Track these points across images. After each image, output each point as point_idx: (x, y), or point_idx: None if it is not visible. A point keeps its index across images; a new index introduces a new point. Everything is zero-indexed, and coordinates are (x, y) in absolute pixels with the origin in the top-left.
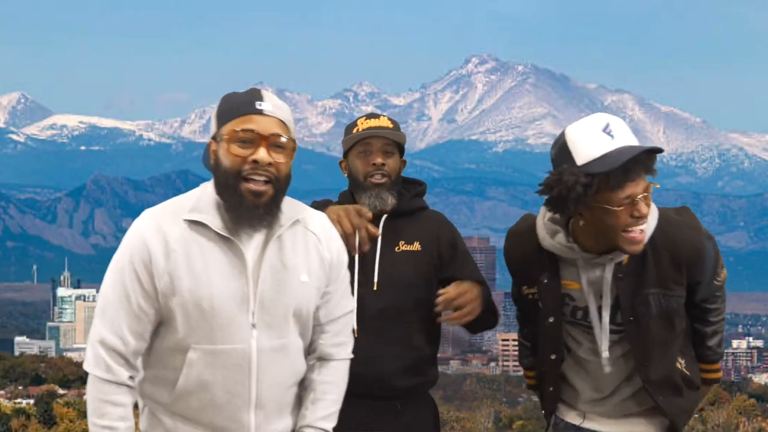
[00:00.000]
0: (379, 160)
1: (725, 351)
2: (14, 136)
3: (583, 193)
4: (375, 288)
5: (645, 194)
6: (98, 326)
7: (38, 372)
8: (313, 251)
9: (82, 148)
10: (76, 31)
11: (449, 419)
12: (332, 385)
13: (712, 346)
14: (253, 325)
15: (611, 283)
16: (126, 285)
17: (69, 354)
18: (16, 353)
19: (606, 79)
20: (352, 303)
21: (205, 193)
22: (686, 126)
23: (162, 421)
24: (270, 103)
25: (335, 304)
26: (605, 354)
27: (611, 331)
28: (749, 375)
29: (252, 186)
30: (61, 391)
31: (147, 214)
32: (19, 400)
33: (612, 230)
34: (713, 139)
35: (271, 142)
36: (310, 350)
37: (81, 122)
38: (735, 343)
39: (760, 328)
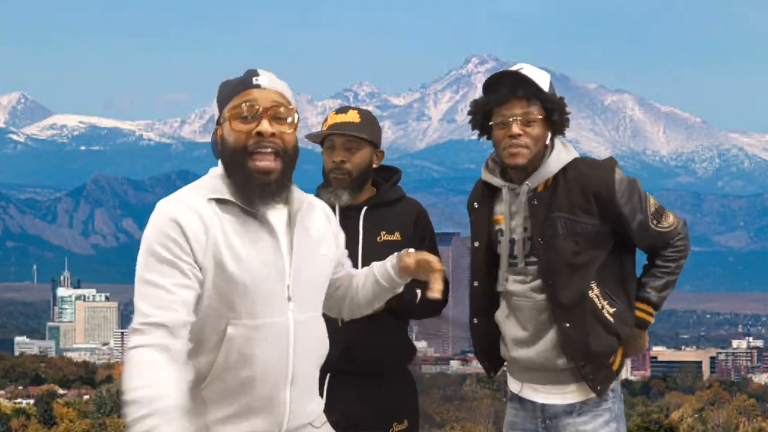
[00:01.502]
0: (339, 158)
1: (725, 351)
2: (14, 136)
3: (474, 116)
4: None
5: (518, 117)
6: (142, 309)
7: (38, 372)
8: (324, 225)
9: (82, 148)
10: (76, 31)
11: (449, 419)
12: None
13: (650, 283)
14: (289, 299)
15: (525, 204)
16: (171, 257)
17: (69, 354)
18: (16, 353)
19: (606, 79)
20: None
21: (216, 177)
22: (686, 126)
23: (194, 409)
24: (267, 77)
25: (349, 261)
26: (503, 268)
27: (528, 263)
28: (749, 375)
29: (259, 162)
30: (61, 391)
31: (169, 199)
32: (19, 400)
33: (498, 147)
34: (713, 139)
35: (272, 113)
36: (345, 290)
37: (81, 122)
38: (735, 343)
39: (760, 328)
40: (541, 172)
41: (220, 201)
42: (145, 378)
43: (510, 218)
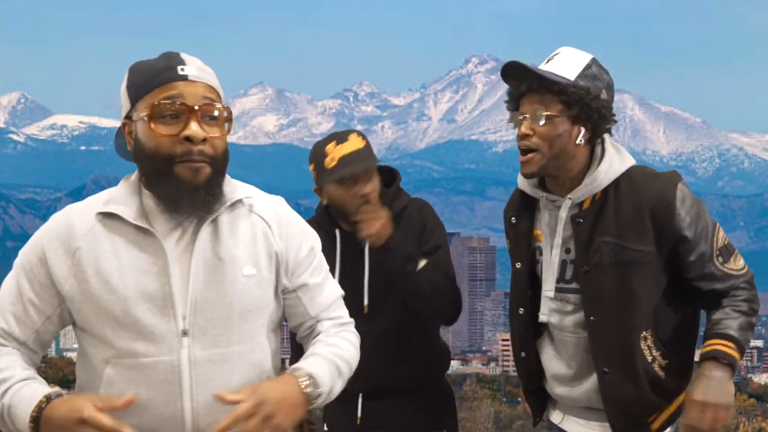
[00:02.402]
0: (369, 189)
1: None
2: (14, 136)
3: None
4: (366, 311)
5: (527, 114)
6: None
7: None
8: (261, 238)
9: (82, 148)
10: (76, 31)
11: None
12: (340, 342)
13: (723, 320)
14: (185, 333)
15: (566, 223)
16: (21, 283)
17: (69, 354)
18: None
19: None
20: (338, 287)
21: (126, 184)
22: (686, 126)
23: None
24: (194, 66)
25: (320, 293)
26: (549, 293)
27: (571, 291)
28: (749, 375)
29: (188, 165)
30: (61, 391)
31: (64, 208)
32: None
33: None
34: (713, 139)
35: (202, 113)
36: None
37: (81, 122)
38: None
39: (760, 328)
40: (587, 185)
41: (107, 215)
42: None
43: (551, 235)
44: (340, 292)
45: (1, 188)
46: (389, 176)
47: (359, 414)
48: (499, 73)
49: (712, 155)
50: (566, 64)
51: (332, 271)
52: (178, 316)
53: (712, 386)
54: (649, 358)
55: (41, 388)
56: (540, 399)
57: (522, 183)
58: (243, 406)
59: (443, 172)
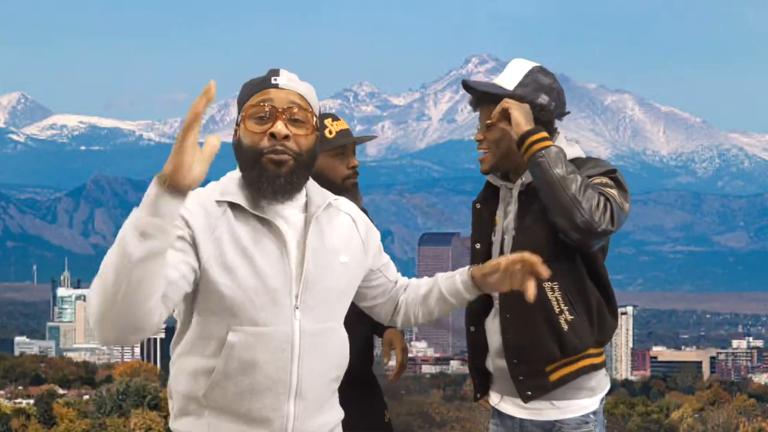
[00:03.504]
0: (356, 162)
1: (725, 351)
2: (14, 136)
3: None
4: None
5: (479, 125)
6: None
7: (38, 372)
8: (350, 231)
9: (82, 148)
10: (76, 31)
11: (449, 419)
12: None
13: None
14: (296, 308)
15: (515, 201)
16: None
17: (69, 354)
18: (16, 353)
19: (606, 79)
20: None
21: (232, 177)
22: (686, 126)
23: (194, 416)
24: (286, 78)
25: (392, 266)
26: (493, 258)
27: None
28: (749, 375)
29: (273, 156)
30: (61, 391)
31: (201, 189)
32: (19, 400)
33: None
34: (713, 139)
35: (288, 115)
36: (393, 307)
37: (81, 122)
38: (735, 343)
39: (760, 328)
40: None
41: (229, 204)
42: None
43: (504, 217)
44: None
45: (1, 188)
46: None
47: None
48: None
49: (712, 155)
50: (508, 75)
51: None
52: (293, 293)
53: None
54: (557, 309)
55: None
56: (483, 378)
57: (488, 176)
58: None
59: (443, 172)
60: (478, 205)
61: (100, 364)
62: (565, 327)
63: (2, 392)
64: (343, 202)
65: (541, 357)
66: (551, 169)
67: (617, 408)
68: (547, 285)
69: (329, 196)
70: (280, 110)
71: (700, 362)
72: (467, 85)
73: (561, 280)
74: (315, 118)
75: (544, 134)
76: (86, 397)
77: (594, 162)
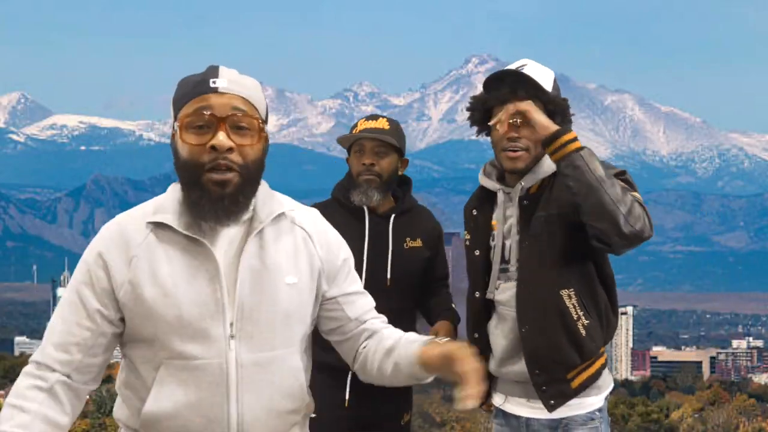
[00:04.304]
0: (369, 161)
1: (725, 351)
2: (14, 136)
3: (473, 113)
4: (387, 285)
5: (518, 119)
6: (44, 341)
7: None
8: (302, 249)
9: (82, 148)
10: (76, 31)
11: (449, 419)
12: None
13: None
14: (232, 337)
15: (517, 205)
16: (83, 295)
17: None
18: (16, 353)
19: (606, 79)
20: (371, 299)
21: (173, 192)
22: (686, 126)
23: None
24: (226, 79)
25: (359, 298)
26: (495, 273)
27: (511, 269)
28: (749, 375)
29: (215, 176)
30: None
31: (113, 220)
32: None
33: (496, 149)
34: (713, 139)
35: (230, 123)
36: (354, 350)
37: (81, 122)
38: (735, 343)
39: (760, 328)
40: (536, 172)
41: (159, 225)
42: (15, 401)
43: (504, 222)
44: (374, 302)
45: (1, 188)
46: (404, 182)
47: (347, 396)
48: None
49: (712, 155)
50: (541, 75)
51: (360, 247)
52: (226, 320)
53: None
54: (575, 316)
55: None
56: (487, 383)
57: (482, 179)
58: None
59: (443, 172)
60: (474, 211)
61: None
62: (583, 332)
63: (2, 392)
64: (303, 215)
65: (563, 365)
66: (593, 172)
67: (617, 408)
68: (564, 292)
69: (282, 206)
70: (219, 118)
71: (700, 362)
72: (518, 75)
73: (576, 286)
74: (261, 123)
75: (575, 134)
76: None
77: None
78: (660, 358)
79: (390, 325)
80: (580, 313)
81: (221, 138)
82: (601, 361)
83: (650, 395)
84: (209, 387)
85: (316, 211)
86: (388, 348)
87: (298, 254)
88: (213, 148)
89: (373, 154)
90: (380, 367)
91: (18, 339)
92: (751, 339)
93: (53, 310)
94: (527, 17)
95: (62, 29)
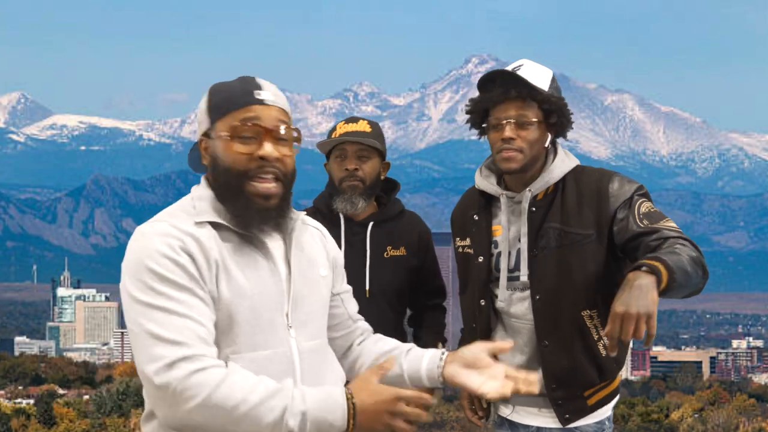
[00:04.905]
0: (352, 166)
1: (725, 351)
2: (14, 136)
3: (471, 115)
4: (367, 296)
5: (512, 119)
6: (150, 350)
7: (38, 372)
8: (320, 245)
9: (82, 148)
10: (76, 31)
11: (449, 419)
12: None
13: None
14: (290, 326)
15: (525, 212)
16: (185, 284)
17: (69, 354)
18: (16, 353)
19: (606, 79)
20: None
21: (200, 199)
22: (686, 126)
23: None
24: (270, 92)
25: (353, 300)
26: (504, 281)
27: (520, 278)
28: (749, 375)
29: (260, 186)
30: (61, 391)
31: (155, 223)
32: (19, 400)
33: (492, 150)
34: (713, 139)
35: (276, 135)
36: (345, 347)
37: (81, 122)
38: (735, 343)
39: (760, 328)
40: (544, 179)
41: (212, 224)
42: (237, 386)
43: (508, 228)
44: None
45: (1, 188)
46: (391, 185)
47: None
48: None
49: (712, 155)
50: (537, 75)
51: None
52: (284, 311)
53: (633, 295)
54: (595, 337)
55: (321, 390)
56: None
57: (481, 183)
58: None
59: (443, 172)
60: (475, 216)
61: (100, 364)
62: (603, 353)
63: (2, 392)
64: (307, 216)
65: (580, 383)
66: (688, 281)
67: (617, 408)
68: (585, 313)
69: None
70: (268, 130)
71: (700, 362)
72: (510, 75)
73: (599, 307)
74: (298, 134)
75: (652, 263)
76: (86, 397)
77: (618, 180)
78: (660, 358)
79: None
80: (601, 333)
81: (269, 149)
82: (618, 379)
83: (650, 395)
84: (278, 375)
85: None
86: (386, 351)
87: (319, 249)
88: (262, 158)
89: (355, 158)
90: (371, 366)
91: (18, 339)
92: (751, 339)
93: (53, 310)
94: (527, 17)
95: (62, 29)
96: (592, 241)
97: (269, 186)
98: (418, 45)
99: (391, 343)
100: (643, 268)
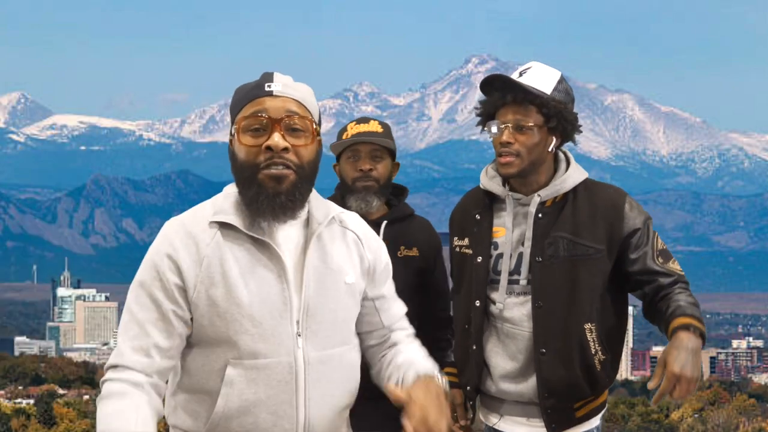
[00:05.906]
0: (366, 166)
1: (725, 351)
2: (14, 136)
3: (480, 117)
4: None
5: (509, 124)
6: (120, 345)
7: (38, 372)
8: (354, 250)
9: (82, 148)
10: (76, 31)
11: None
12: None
13: (671, 302)
14: (299, 335)
15: (532, 217)
16: (155, 296)
17: (69, 354)
18: (16, 353)
19: (606, 79)
20: (404, 305)
21: (228, 195)
22: (686, 126)
23: None
24: (281, 83)
25: (394, 305)
26: (504, 284)
27: (520, 282)
28: (749, 375)
29: (271, 171)
30: (61, 391)
31: (173, 220)
32: (19, 400)
33: (495, 154)
34: (713, 139)
35: (285, 125)
36: (378, 356)
37: (81, 122)
38: (735, 343)
39: (760, 328)
40: (555, 186)
41: (222, 225)
42: (111, 407)
43: (512, 231)
44: (406, 309)
45: (1, 188)
46: (399, 190)
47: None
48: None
49: (712, 155)
50: (541, 78)
51: None
52: (293, 319)
53: (690, 360)
54: (593, 350)
55: None
56: (487, 401)
57: (487, 183)
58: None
59: (443, 172)
60: (477, 216)
61: (100, 364)
62: (598, 366)
63: (2, 392)
64: (350, 218)
65: (573, 394)
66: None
67: (617, 408)
68: (587, 326)
69: (333, 209)
70: (274, 120)
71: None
72: (504, 80)
73: (599, 321)
74: (315, 125)
75: (699, 325)
76: (86, 397)
77: (629, 202)
78: None
79: (411, 338)
80: (598, 348)
81: (276, 139)
82: (606, 392)
83: (650, 395)
84: (278, 385)
85: (358, 215)
86: (398, 364)
87: (351, 255)
88: (268, 148)
89: (369, 158)
90: (389, 378)
91: (18, 339)
92: (751, 339)
93: (53, 310)
94: (527, 17)
95: (62, 29)
96: (602, 255)
97: (281, 171)
98: (418, 45)
99: (400, 359)
100: (692, 329)
